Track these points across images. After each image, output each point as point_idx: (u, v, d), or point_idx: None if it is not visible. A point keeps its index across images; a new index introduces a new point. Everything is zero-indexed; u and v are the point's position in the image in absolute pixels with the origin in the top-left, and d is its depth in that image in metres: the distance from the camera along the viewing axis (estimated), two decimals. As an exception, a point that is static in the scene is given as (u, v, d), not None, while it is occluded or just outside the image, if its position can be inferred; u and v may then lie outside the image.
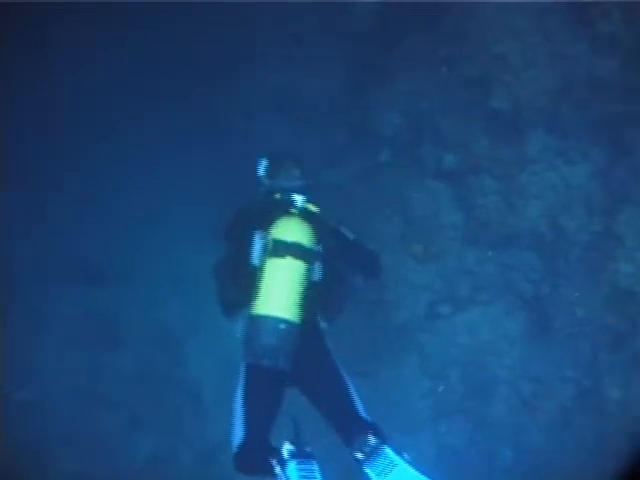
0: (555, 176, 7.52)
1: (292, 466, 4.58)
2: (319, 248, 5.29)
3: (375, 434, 4.90)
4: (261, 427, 4.95)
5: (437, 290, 7.82)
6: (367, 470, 4.79)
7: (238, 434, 4.89)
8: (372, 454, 4.80)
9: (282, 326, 4.85)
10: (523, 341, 7.52)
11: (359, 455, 4.84)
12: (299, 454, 4.69)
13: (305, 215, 5.37)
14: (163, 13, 7.69)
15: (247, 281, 5.05)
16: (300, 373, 5.10)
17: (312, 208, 5.56)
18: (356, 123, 8.13)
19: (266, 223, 5.18)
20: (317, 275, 5.29)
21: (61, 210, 8.28)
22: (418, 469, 4.76)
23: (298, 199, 5.49)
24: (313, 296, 5.14)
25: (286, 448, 4.72)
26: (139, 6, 7.34)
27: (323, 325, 5.45)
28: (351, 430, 4.95)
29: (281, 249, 5.01)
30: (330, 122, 8.22)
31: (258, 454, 4.76)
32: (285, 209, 5.34)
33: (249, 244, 5.22)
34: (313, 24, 8.20)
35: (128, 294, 8.10)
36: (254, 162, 5.96)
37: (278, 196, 5.55)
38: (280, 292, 4.93)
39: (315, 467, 4.66)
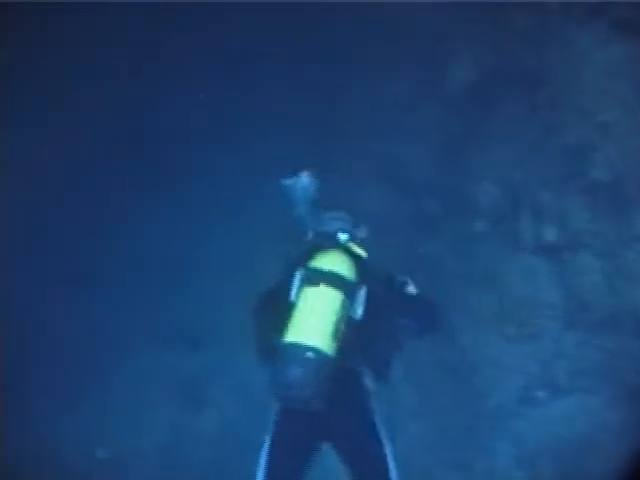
0: (665, 256, 6.81)
1: None
2: (362, 286, 4.98)
3: None
4: None
5: (532, 374, 7.26)
6: None
7: None
8: None
9: (310, 354, 4.49)
10: (625, 436, 6.80)
11: None
12: None
13: (348, 252, 5.12)
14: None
15: (285, 321, 4.71)
16: (335, 425, 4.75)
17: (358, 250, 5.28)
18: (452, 192, 7.75)
19: (306, 259, 4.95)
20: (358, 313, 4.95)
21: (146, 275, 8.48)
22: None
23: (342, 237, 5.26)
24: (353, 336, 4.82)
25: None
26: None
27: (368, 382, 5.07)
28: None
29: (315, 277, 4.72)
30: (425, 189, 7.90)
31: None
32: (327, 246, 5.10)
33: (290, 283, 4.95)
34: (410, 89, 7.92)
35: (214, 357, 8.16)
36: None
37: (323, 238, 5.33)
38: (310, 319, 4.59)
39: None
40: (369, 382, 4.92)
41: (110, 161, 8.38)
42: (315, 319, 4.57)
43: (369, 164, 8.17)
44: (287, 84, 7.96)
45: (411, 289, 5.29)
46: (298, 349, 4.48)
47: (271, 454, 4.73)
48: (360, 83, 8.11)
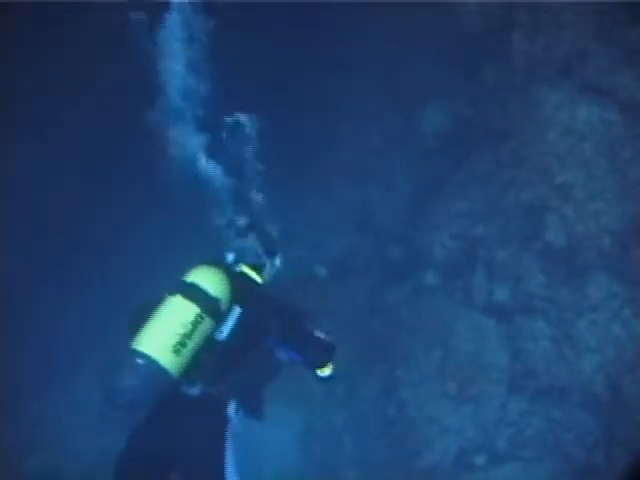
0: (619, 329, 6.51)
1: None
2: (235, 308, 4.73)
3: None
4: None
5: (471, 437, 6.99)
6: None
7: None
8: None
9: (140, 361, 4.32)
10: (564, 517, 6.53)
11: None
12: None
13: (231, 272, 4.87)
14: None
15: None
16: (180, 450, 4.43)
17: (250, 273, 5.05)
18: (412, 241, 7.59)
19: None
20: (222, 334, 4.69)
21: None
22: None
23: (230, 256, 5.04)
24: (216, 359, 4.61)
25: None
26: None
27: (229, 411, 4.77)
28: None
29: (176, 288, 4.54)
30: (389, 236, 7.75)
31: None
32: (208, 262, 4.86)
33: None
34: (382, 135, 7.83)
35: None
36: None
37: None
38: (153, 328, 4.34)
39: None
40: (231, 412, 4.67)
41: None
42: (157, 328, 4.35)
43: (336, 208, 8.06)
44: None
45: (308, 325, 5.04)
46: (133, 355, 4.28)
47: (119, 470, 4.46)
48: (332, 128, 8.04)
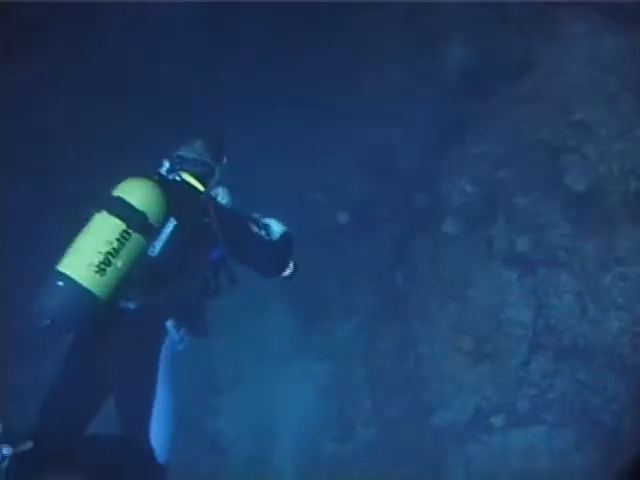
0: (650, 284, 5.86)
1: None
2: (171, 222, 4.42)
3: None
4: None
5: (488, 397, 6.53)
6: None
7: None
8: None
9: (60, 283, 4.13)
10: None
11: None
12: None
13: (166, 182, 4.56)
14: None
15: None
16: (114, 365, 4.20)
17: (191, 181, 4.71)
18: (432, 187, 7.08)
19: None
20: (155, 250, 4.41)
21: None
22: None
23: (165, 164, 4.71)
24: (150, 275, 4.36)
25: None
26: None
27: (168, 325, 4.51)
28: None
29: (102, 202, 4.30)
30: (410, 181, 7.27)
31: None
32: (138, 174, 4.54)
33: None
34: (403, 74, 7.30)
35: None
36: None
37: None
38: (76, 247, 4.06)
39: None
40: (169, 327, 4.39)
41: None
42: (79, 247, 4.11)
43: (356, 150, 7.61)
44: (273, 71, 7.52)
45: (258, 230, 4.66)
46: (56, 276, 4.09)
47: (53, 392, 4.27)
48: (349, 69, 7.54)
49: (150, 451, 4.07)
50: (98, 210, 4.14)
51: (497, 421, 6.49)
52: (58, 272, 4.00)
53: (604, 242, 6.06)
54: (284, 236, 4.70)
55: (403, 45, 7.31)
